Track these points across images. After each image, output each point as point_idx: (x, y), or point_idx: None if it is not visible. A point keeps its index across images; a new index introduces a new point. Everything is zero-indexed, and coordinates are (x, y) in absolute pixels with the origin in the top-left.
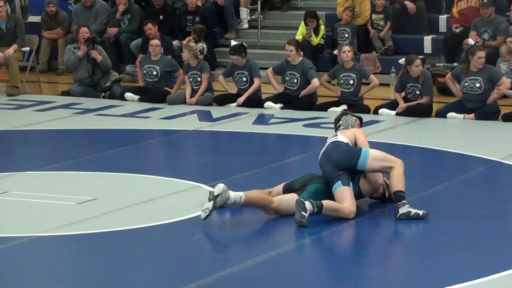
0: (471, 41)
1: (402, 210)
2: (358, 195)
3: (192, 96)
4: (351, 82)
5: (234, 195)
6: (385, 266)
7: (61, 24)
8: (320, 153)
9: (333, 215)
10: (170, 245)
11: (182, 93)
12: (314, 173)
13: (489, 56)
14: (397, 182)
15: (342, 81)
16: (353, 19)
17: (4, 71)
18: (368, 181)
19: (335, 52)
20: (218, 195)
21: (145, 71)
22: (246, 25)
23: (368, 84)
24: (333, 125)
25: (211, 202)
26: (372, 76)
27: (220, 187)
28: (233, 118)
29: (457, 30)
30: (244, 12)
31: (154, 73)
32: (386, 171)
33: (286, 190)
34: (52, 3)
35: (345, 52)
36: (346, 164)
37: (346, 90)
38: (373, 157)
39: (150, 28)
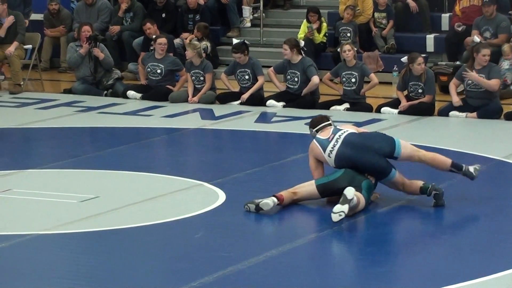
0: (476, 38)
1: (472, 168)
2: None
3: (194, 95)
4: (353, 80)
5: (355, 198)
6: (386, 265)
7: (63, 22)
8: (335, 150)
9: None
10: (172, 243)
11: (185, 91)
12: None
13: (491, 54)
14: (442, 158)
15: (344, 79)
16: (356, 18)
17: (6, 69)
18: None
19: (339, 49)
20: (351, 199)
21: (148, 69)
22: (248, 24)
23: (370, 82)
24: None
25: (346, 206)
26: (372, 75)
27: (352, 190)
28: (235, 116)
29: (459, 29)
30: (246, 11)
31: (158, 71)
32: (414, 159)
33: (325, 191)
34: (54, 0)
35: (346, 52)
36: (387, 151)
37: (348, 88)
38: (402, 145)
39: (149, 28)
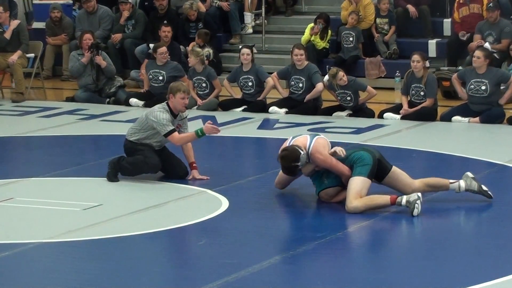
0: (487, 44)
1: None
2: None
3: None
4: (348, 98)
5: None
6: (390, 269)
7: (65, 30)
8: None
9: None
10: (175, 250)
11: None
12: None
13: (494, 60)
14: None
15: (339, 97)
16: (358, 23)
17: (8, 77)
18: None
19: (325, 79)
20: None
21: (150, 76)
22: (250, 30)
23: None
24: (337, 130)
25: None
26: (369, 87)
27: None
28: (238, 123)
29: (464, 38)
30: (248, 17)
31: (160, 78)
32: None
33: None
34: (56, 9)
35: (341, 80)
36: None
37: (346, 105)
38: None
39: (170, 31)
